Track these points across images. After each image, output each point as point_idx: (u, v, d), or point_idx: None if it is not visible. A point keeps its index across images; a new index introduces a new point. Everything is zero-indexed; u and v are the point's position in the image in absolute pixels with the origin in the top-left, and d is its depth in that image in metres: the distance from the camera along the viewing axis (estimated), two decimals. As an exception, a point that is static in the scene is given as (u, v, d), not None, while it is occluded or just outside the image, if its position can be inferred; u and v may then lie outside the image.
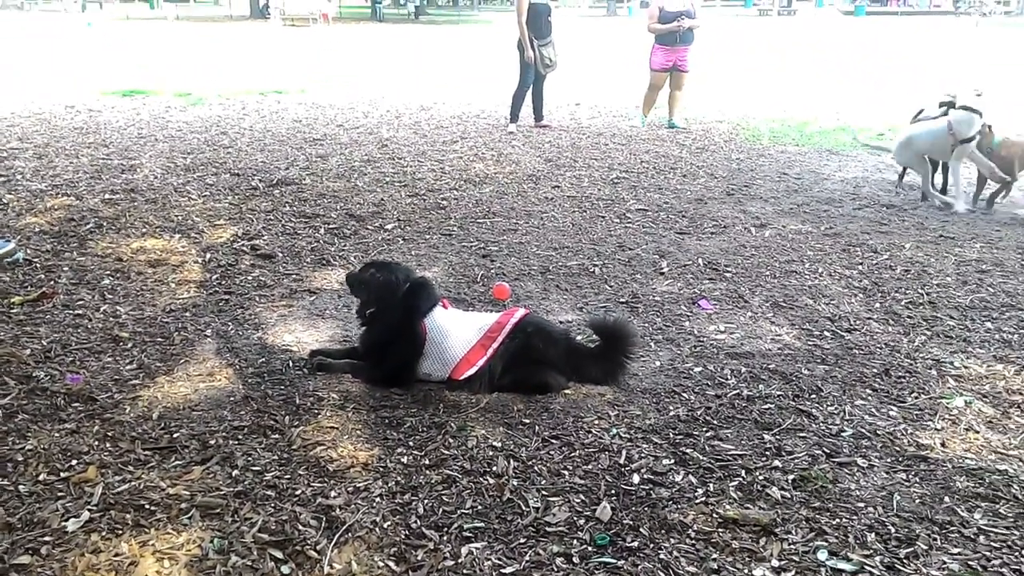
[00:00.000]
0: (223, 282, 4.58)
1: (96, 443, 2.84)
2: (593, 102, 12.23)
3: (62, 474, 2.65)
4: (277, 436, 2.94)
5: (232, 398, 3.22)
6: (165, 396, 3.22)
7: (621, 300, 4.40)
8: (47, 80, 13.50)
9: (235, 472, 2.69)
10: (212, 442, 2.87)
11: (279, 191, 6.64)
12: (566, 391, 3.30)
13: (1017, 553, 2.30)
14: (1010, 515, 2.48)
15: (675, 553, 2.31)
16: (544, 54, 9.53)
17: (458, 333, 3.33)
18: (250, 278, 4.66)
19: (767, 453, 2.85)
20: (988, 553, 2.29)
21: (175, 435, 2.91)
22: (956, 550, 2.31)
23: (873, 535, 2.38)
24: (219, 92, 12.54)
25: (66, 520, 2.41)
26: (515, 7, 9.68)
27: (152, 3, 43.26)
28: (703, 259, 5.09)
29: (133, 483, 2.60)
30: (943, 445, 2.92)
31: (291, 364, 3.55)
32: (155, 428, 2.96)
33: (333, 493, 2.58)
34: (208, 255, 5.00)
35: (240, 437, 2.92)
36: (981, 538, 2.36)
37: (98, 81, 13.41)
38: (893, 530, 2.40)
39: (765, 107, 11.68)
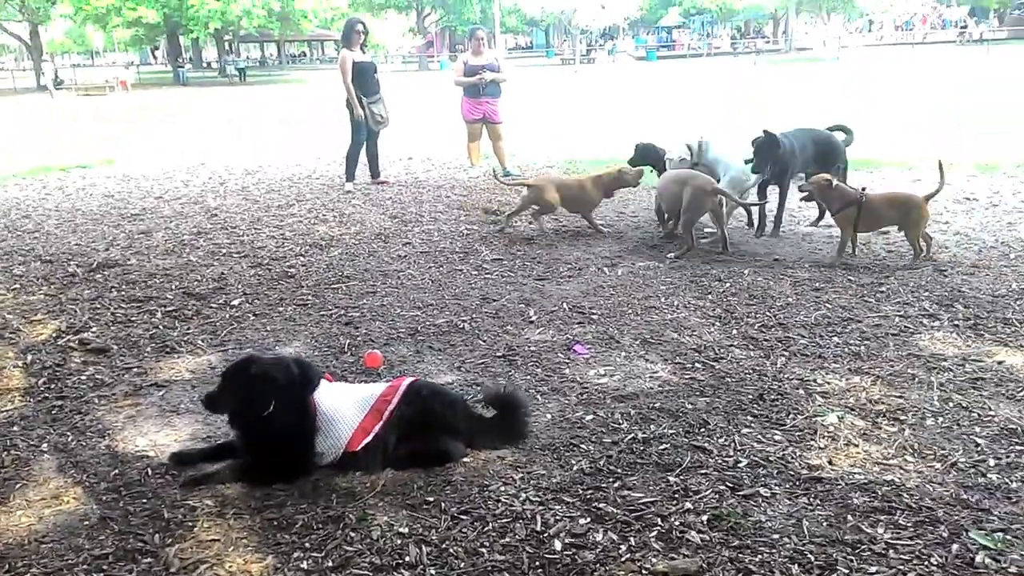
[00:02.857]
0: (52, 386, 4.05)
1: (-79, 606, 2.37)
2: (425, 155, 12.25)
3: None
4: (150, 560, 2.58)
5: (87, 522, 2.80)
6: (4, 531, 2.75)
7: (498, 355, 4.32)
8: None
9: (106, 612, 2.32)
10: (72, 580, 2.47)
11: (102, 275, 6.05)
12: (464, 459, 3.16)
13: (926, 562, 2.41)
14: (909, 525, 2.61)
15: (614, 620, 2.22)
16: (374, 111, 9.43)
17: (348, 404, 3.10)
18: (84, 377, 4.15)
19: (676, 496, 2.85)
20: (902, 567, 2.39)
21: (24, 579, 2.48)
22: (873, 569, 2.38)
23: (796, 567, 2.41)
24: (13, 172, 11.39)
25: None
26: (338, 66, 9.54)
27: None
28: (567, 303, 5.13)
29: (-21, 649, 2.18)
30: (831, 463, 3.05)
31: (150, 472, 3.16)
32: (-3, 574, 2.52)
33: (230, 618, 2.28)
34: (29, 356, 4.42)
35: (105, 568, 2.53)
36: (891, 552, 2.46)
37: None
38: (812, 558, 2.45)
39: (587, 149, 12.15)
